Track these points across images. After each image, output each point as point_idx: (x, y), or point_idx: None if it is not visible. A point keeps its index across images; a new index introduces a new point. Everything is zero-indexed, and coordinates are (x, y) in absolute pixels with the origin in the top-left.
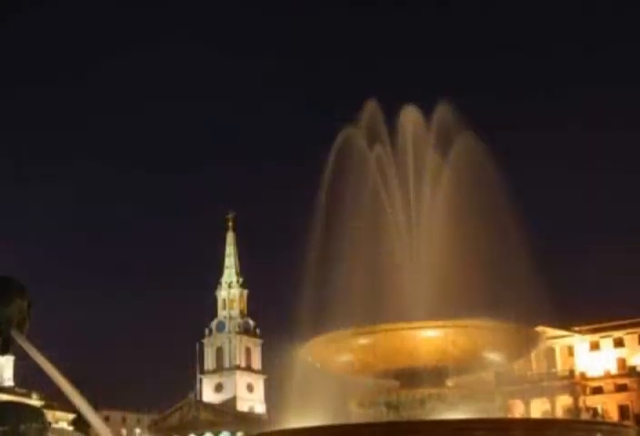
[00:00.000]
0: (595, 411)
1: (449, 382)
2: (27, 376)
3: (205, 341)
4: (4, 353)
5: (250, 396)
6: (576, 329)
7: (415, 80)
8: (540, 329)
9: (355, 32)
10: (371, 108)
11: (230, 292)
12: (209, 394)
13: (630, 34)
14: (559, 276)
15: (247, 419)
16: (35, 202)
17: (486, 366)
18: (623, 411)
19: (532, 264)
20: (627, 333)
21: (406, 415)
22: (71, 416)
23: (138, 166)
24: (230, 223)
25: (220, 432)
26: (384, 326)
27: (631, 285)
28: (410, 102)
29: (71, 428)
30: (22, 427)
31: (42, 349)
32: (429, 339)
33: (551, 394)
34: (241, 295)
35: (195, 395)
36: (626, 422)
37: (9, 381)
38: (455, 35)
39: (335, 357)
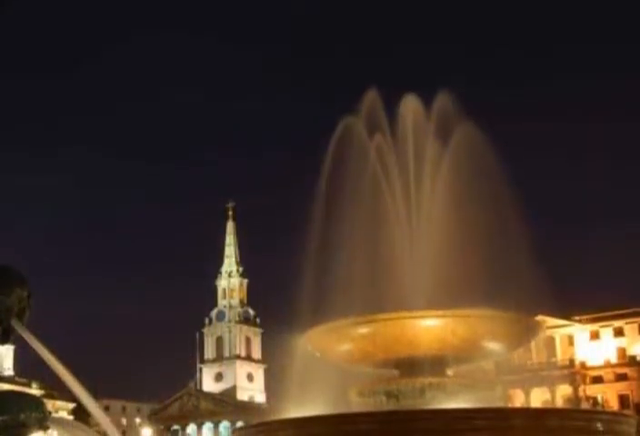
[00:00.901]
0: (595, 400)
1: (449, 372)
2: (27, 366)
3: (205, 330)
4: (4, 343)
5: (250, 385)
6: (577, 318)
7: (416, 68)
8: (540, 318)
9: (355, 20)
10: (371, 97)
11: (230, 281)
12: (209, 384)
13: (631, 25)
14: (559, 266)
15: (247, 408)
16: (35, 192)
17: (486, 355)
18: (623, 400)
19: (532, 254)
20: (627, 323)
21: (406, 404)
22: (71, 405)
23: (138, 156)
24: (230, 213)
25: (220, 422)
26: (384, 315)
27: (631, 275)
28: (410, 91)
29: (71, 417)
30: (22, 416)
31: (42, 339)
32: (429, 328)
33: (551, 384)
34: (241, 284)
35: (195, 385)
36: (626, 412)
37: (9, 371)
38: (455, 24)
39: (335, 346)
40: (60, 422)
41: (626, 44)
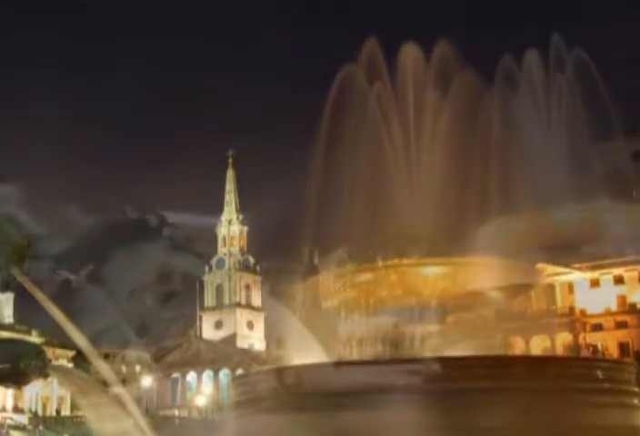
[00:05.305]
0: (594, 348)
1: (449, 320)
2: (28, 313)
3: (205, 278)
4: (4, 291)
5: (250, 333)
6: (576, 266)
7: (416, 19)
8: (540, 266)
9: None
10: (371, 46)
11: (230, 229)
12: (209, 331)
13: None
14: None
15: (247, 356)
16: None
17: (487, 303)
18: (623, 348)
19: (531, 201)
20: (627, 270)
21: (406, 352)
22: (71, 353)
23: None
24: (230, 161)
25: (220, 369)
26: (384, 263)
27: None
28: (410, 39)
29: (71, 365)
30: (22, 364)
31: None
32: (429, 276)
33: (551, 331)
34: (241, 232)
35: (195, 332)
36: (626, 359)
37: (9, 319)
38: None
39: (335, 294)
40: (60, 370)
41: None
